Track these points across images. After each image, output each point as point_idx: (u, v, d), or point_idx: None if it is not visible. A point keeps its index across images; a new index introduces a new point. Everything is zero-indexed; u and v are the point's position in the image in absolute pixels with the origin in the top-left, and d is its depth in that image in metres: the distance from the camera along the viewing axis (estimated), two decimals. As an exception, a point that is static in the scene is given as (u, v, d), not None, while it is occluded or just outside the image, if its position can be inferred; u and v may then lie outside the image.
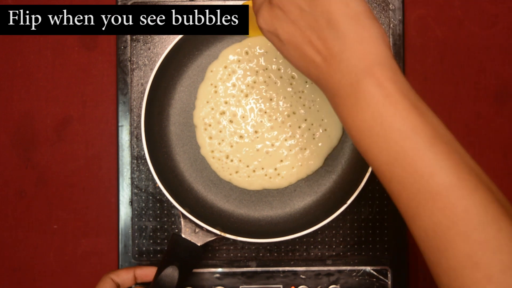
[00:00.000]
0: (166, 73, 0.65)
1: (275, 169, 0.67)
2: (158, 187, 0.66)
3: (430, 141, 0.42)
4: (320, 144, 0.67)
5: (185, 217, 0.62)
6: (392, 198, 0.44)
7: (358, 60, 0.44)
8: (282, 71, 0.67)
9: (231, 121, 0.67)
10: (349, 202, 0.61)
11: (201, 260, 0.67)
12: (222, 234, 0.62)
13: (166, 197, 0.62)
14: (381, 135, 0.43)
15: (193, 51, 0.67)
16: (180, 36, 0.63)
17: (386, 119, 0.43)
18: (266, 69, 0.66)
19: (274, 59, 0.67)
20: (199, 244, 0.62)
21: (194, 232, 0.62)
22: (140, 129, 0.66)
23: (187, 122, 0.68)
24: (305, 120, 0.67)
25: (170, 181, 0.65)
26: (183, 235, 0.62)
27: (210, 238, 0.62)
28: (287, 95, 0.67)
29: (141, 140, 0.65)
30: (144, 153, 0.65)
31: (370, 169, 0.61)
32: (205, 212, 0.66)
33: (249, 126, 0.67)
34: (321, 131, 0.67)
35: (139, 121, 0.68)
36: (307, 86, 0.67)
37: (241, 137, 0.67)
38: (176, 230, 0.68)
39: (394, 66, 0.44)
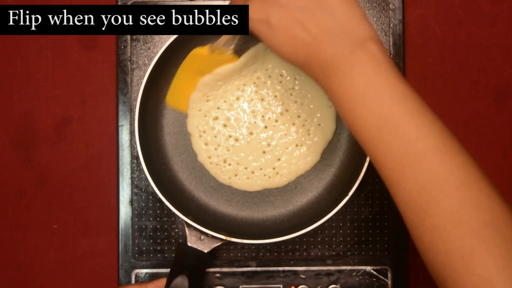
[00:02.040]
0: (155, 84, 0.65)
1: (274, 168, 0.67)
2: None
3: (418, 108, 0.45)
4: (315, 139, 0.67)
5: (189, 225, 0.62)
6: (377, 165, 0.46)
7: (351, 34, 0.46)
8: (270, 70, 0.66)
9: (225, 126, 0.67)
10: (351, 193, 0.61)
11: (210, 266, 0.67)
12: (228, 238, 0.62)
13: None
14: (373, 100, 0.45)
15: (181, 59, 0.67)
16: (165, 46, 0.63)
17: (378, 85, 0.45)
18: (254, 70, 0.66)
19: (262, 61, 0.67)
20: (205, 251, 0.62)
21: (199, 240, 0.62)
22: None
23: (181, 131, 0.68)
24: (298, 116, 0.67)
25: (171, 191, 0.65)
26: (189, 244, 0.62)
27: (216, 244, 0.62)
28: (278, 93, 0.67)
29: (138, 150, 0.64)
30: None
31: (368, 158, 0.61)
32: (208, 218, 0.66)
33: (243, 129, 0.67)
34: (315, 126, 0.67)
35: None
36: (297, 82, 0.67)
37: (236, 140, 0.67)
38: (177, 230, 0.68)
39: (381, 44, 0.48)
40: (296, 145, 0.67)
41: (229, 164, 0.67)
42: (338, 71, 0.47)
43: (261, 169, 0.67)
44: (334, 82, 0.47)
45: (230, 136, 0.67)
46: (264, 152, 0.67)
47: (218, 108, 0.67)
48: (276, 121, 0.67)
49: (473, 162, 0.44)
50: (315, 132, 0.67)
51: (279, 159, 0.67)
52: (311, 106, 0.67)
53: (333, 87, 0.47)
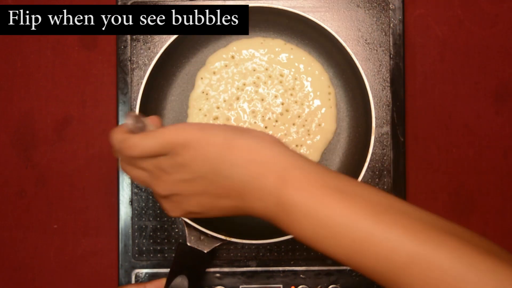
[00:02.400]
0: (155, 84, 0.65)
1: None
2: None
3: (373, 219, 0.41)
4: (315, 139, 0.67)
5: (189, 225, 0.62)
6: (367, 276, 0.44)
7: (264, 180, 0.43)
8: (270, 70, 0.67)
9: None
10: None
11: (209, 266, 0.67)
12: (228, 239, 0.62)
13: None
14: (328, 236, 0.42)
15: (180, 59, 0.67)
16: (166, 46, 0.63)
17: (323, 221, 0.42)
18: (254, 70, 0.66)
19: (262, 61, 0.67)
20: (205, 251, 0.62)
21: (199, 240, 0.62)
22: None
23: None
24: (299, 117, 0.67)
25: None
26: (188, 244, 0.62)
27: (216, 244, 0.62)
28: (278, 93, 0.67)
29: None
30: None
31: (368, 159, 0.61)
32: (208, 218, 0.66)
33: None
34: (315, 126, 0.67)
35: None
36: (298, 82, 0.67)
37: None
38: (177, 230, 0.68)
39: (295, 160, 0.44)
40: (296, 145, 0.67)
41: (229, 164, 0.67)
42: (282, 221, 0.44)
43: (261, 169, 0.67)
44: (286, 229, 0.44)
45: None
46: (264, 152, 0.67)
47: (218, 108, 0.67)
48: (276, 121, 0.67)
49: (458, 243, 0.40)
50: (315, 132, 0.67)
51: (278, 159, 0.67)
52: (311, 106, 0.67)
53: (289, 232, 0.45)
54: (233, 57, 0.67)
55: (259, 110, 0.67)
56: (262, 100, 0.67)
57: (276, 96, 0.67)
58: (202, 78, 0.67)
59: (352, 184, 0.44)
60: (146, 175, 0.47)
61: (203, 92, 0.67)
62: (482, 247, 0.40)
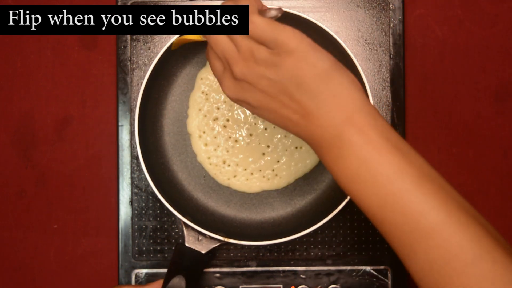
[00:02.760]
0: (155, 84, 0.65)
1: (273, 170, 0.67)
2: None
3: (417, 182, 0.43)
4: None
5: (187, 226, 0.62)
6: (386, 239, 0.45)
7: (336, 114, 0.45)
8: None
9: (224, 126, 0.67)
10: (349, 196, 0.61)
11: (207, 267, 0.67)
12: (226, 239, 0.62)
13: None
14: (368, 180, 0.44)
15: (181, 59, 0.67)
16: (166, 46, 0.62)
17: (371, 165, 0.44)
18: None
19: None
20: (203, 252, 0.62)
21: (197, 240, 0.62)
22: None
23: (181, 131, 0.68)
24: None
25: (170, 191, 0.65)
26: (186, 244, 0.62)
27: (214, 244, 0.62)
28: None
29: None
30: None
31: None
32: (207, 219, 0.66)
33: (243, 130, 0.67)
34: None
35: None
36: None
37: (236, 141, 0.67)
38: (177, 230, 0.68)
39: (372, 111, 0.45)
40: (296, 147, 0.67)
41: (228, 165, 0.67)
42: (330, 152, 0.46)
43: (260, 170, 0.67)
44: (329, 162, 0.46)
45: (229, 137, 0.67)
46: (263, 153, 0.67)
47: (218, 108, 0.67)
48: (276, 122, 0.67)
49: (484, 231, 0.42)
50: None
51: (278, 161, 0.67)
52: None
53: (329, 166, 0.47)
54: None
55: None
56: None
57: None
58: (202, 79, 0.67)
59: (409, 148, 0.46)
60: (232, 50, 0.47)
61: (203, 93, 0.67)
62: (501, 242, 0.42)
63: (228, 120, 0.67)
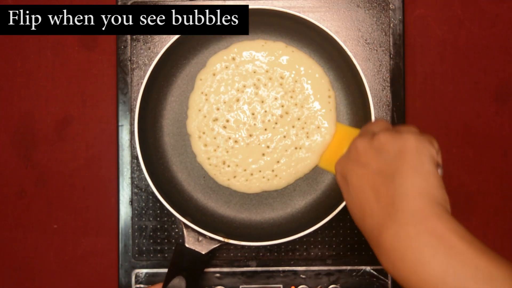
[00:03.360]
0: (155, 85, 0.65)
1: (273, 170, 0.67)
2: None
3: (507, 284, 0.40)
4: (315, 142, 0.67)
5: (187, 226, 0.62)
6: None
7: (417, 210, 0.43)
8: (270, 72, 0.66)
9: (224, 127, 0.67)
10: None
11: (207, 268, 0.67)
12: (226, 240, 0.62)
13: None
14: (456, 286, 0.41)
15: (181, 60, 0.67)
16: (166, 47, 0.63)
17: (457, 271, 0.41)
18: (255, 72, 0.66)
19: (262, 63, 0.67)
20: (203, 253, 0.62)
21: (197, 241, 0.62)
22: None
23: (181, 132, 0.68)
24: (298, 119, 0.66)
25: (170, 192, 0.65)
26: (186, 245, 0.62)
27: (214, 245, 0.62)
28: (278, 95, 0.67)
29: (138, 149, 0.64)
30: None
31: None
32: (207, 220, 0.66)
33: (243, 130, 0.67)
34: (315, 128, 0.67)
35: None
36: (298, 85, 0.67)
37: (236, 141, 0.67)
38: (177, 230, 0.68)
39: (448, 215, 0.44)
40: (296, 148, 0.67)
41: (228, 166, 0.67)
42: (405, 257, 0.43)
43: (260, 171, 0.67)
44: (404, 270, 0.43)
45: (229, 138, 0.67)
46: (263, 154, 0.67)
47: (218, 109, 0.67)
48: (276, 123, 0.67)
49: None
50: (314, 134, 0.67)
51: (278, 162, 0.67)
52: (311, 108, 0.67)
53: (404, 275, 0.43)
54: (233, 58, 0.67)
55: (259, 112, 0.67)
56: (262, 102, 0.67)
57: (276, 98, 0.67)
58: (202, 79, 0.67)
59: (482, 243, 0.43)
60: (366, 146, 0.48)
61: (202, 93, 0.67)
62: None
63: (228, 121, 0.67)
